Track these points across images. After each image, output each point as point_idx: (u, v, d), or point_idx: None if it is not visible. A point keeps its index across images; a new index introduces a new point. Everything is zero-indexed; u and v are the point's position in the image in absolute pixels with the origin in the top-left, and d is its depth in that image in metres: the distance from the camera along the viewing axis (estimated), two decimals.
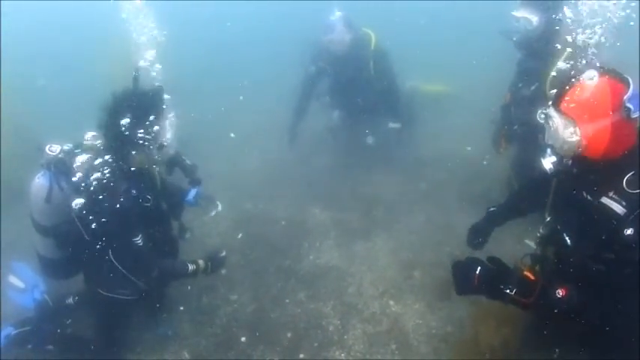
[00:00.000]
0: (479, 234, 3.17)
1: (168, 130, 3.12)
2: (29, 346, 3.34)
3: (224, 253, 3.62)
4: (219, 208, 3.88)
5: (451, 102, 6.92)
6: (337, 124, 5.99)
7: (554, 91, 2.25)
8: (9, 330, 3.35)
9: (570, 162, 2.26)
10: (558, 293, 2.16)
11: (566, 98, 2.15)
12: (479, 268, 2.36)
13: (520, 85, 4.01)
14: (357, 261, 4.26)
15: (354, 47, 5.31)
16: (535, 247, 2.76)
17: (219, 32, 12.13)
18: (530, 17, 3.68)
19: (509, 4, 3.91)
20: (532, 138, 4.01)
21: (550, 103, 2.25)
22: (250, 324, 3.65)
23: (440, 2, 11.10)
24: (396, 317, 3.60)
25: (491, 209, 3.18)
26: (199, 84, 8.52)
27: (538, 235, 2.71)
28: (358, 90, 5.52)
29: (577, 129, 2.12)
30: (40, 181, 3.05)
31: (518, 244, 3.66)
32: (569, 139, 2.15)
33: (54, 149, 3.07)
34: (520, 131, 4.13)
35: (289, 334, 3.54)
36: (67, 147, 3.09)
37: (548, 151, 2.35)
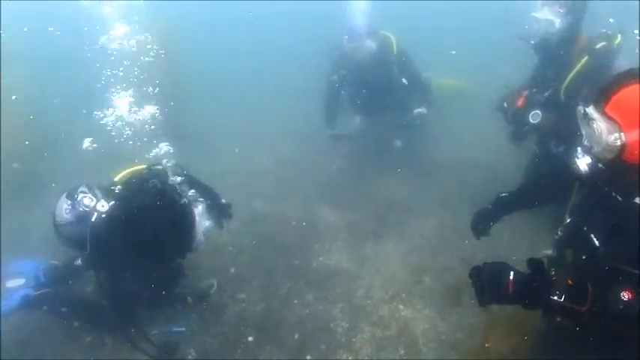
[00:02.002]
0: (485, 219, 3.07)
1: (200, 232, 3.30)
2: (44, 308, 3.43)
3: (215, 288, 3.77)
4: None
5: (466, 100, 6.81)
6: (359, 128, 5.95)
7: (599, 92, 2.13)
8: (29, 291, 3.43)
9: (605, 164, 2.15)
10: (624, 296, 1.87)
11: (613, 102, 2.04)
12: (512, 272, 2.11)
13: (534, 90, 3.94)
14: (367, 264, 4.22)
15: (378, 54, 5.26)
16: (552, 251, 2.67)
17: (231, 33, 12.18)
18: (552, 19, 3.57)
19: (528, 4, 3.82)
20: (546, 143, 3.98)
21: (593, 105, 2.14)
22: (258, 324, 3.64)
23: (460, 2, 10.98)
24: (405, 322, 3.56)
25: (502, 195, 3.08)
26: (211, 85, 8.56)
27: (556, 237, 2.56)
28: (382, 94, 5.46)
29: (622, 134, 2.02)
30: (64, 216, 3.09)
31: (529, 251, 3.60)
32: (613, 144, 2.04)
33: (87, 203, 3.02)
34: (534, 135, 4.08)
35: (297, 335, 3.52)
36: (102, 206, 3.04)
37: (579, 150, 2.26)
